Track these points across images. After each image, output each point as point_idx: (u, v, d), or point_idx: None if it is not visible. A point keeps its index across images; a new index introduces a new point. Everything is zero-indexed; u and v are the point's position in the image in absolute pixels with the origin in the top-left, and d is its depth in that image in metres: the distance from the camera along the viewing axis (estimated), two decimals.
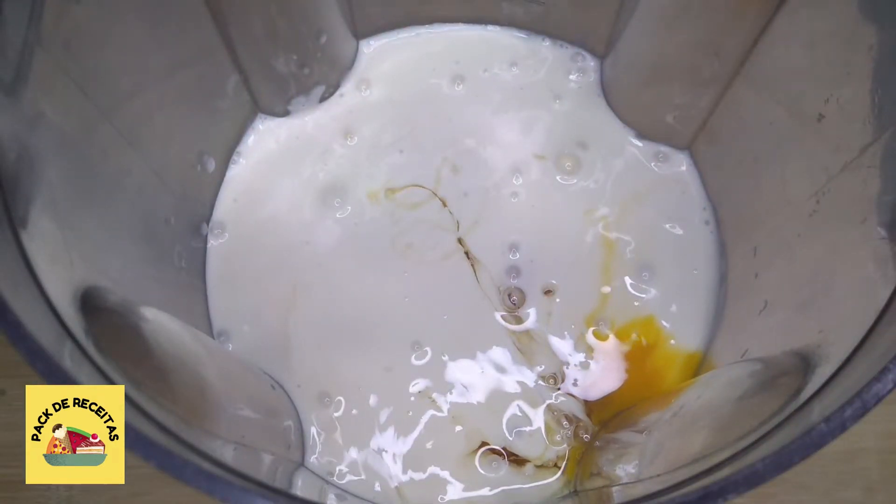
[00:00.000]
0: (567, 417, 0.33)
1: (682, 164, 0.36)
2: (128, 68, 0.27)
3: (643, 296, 0.34)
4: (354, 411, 0.33)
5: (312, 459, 0.33)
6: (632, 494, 0.21)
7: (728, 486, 0.17)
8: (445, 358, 0.34)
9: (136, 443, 0.17)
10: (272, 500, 0.18)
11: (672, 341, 0.34)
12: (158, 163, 0.30)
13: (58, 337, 0.19)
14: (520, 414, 0.33)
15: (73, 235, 0.23)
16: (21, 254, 0.19)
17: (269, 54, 0.33)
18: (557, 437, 0.33)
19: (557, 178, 0.36)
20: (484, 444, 0.33)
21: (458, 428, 0.33)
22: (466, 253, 0.35)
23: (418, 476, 0.33)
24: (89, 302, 0.21)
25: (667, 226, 0.35)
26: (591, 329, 0.34)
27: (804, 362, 0.22)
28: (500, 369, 0.34)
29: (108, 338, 0.20)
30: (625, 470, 0.28)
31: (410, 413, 0.33)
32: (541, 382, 0.34)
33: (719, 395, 0.26)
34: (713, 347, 0.34)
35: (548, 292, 0.35)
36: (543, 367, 0.34)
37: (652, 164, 0.36)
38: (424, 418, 0.33)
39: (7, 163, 0.20)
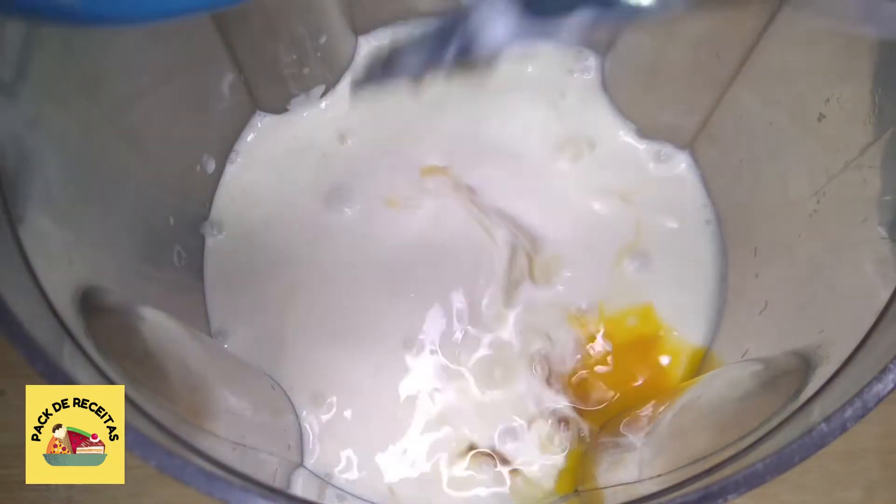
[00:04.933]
0: (565, 420, 0.33)
1: (682, 163, 0.36)
2: (127, 69, 0.27)
3: (644, 293, 0.34)
4: (347, 413, 0.33)
5: (308, 460, 0.33)
6: (633, 494, 0.21)
7: (728, 486, 0.17)
8: (439, 360, 0.34)
9: (135, 443, 0.17)
10: (272, 501, 0.18)
11: (677, 341, 0.34)
12: (158, 163, 0.30)
13: (57, 337, 0.19)
14: (515, 415, 0.33)
15: (72, 235, 0.23)
16: (21, 254, 0.19)
17: (269, 55, 0.33)
18: (556, 439, 0.33)
19: (559, 174, 0.36)
20: (475, 446, 0.33)
21: (452, 431, 0.33)
22: (464, 250, 0.35)
23: (410, 477, 0.33)
24: (89, 302, 0.21)
25: (668, 224, 0.35)
26: (590, 326, 0.34)
27: (805, 362, 0.22)
28: (498, 372, 0.34)
29: (108, 338, 0.20)
30: (625, 470, 0.28)
31: (401, 415, 0.33)
32: (538, 382, 0.33)
33: (720, 396, 0.26)
34: (714, 347, 0.34)
35: (546, 288, 0.34)
36: (541, 366, 0.34)
37: (653, 163, 0.36)
38: (416, 420, 0.33)
39: (7, 163, 0.20)
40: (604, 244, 0.35)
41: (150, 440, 0.17)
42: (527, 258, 0.35)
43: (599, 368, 0.34)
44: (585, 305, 0.34)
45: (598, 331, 0.34)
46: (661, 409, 0.29)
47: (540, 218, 0.35)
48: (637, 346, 0.34)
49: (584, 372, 0.34)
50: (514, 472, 0.33)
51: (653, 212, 0.35)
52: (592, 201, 0.36)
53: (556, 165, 0.36)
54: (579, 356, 0.34)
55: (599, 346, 0.34)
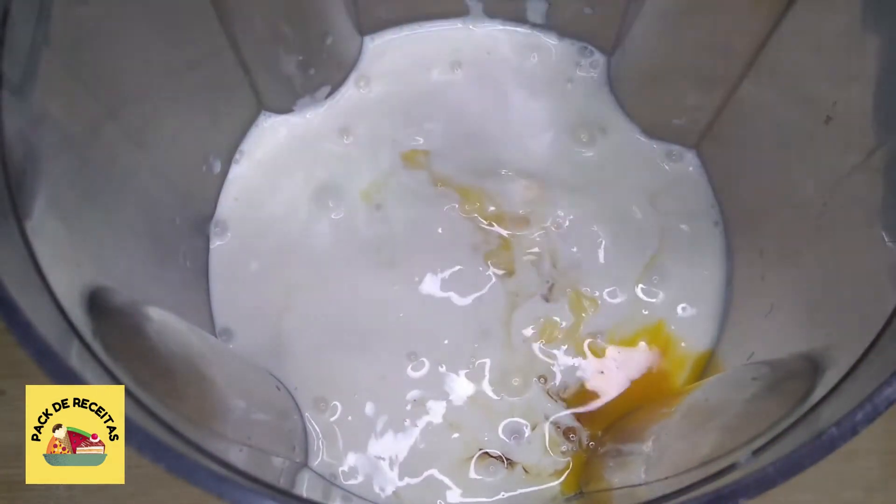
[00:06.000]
0: (570, 429, 0.33)
1: (690, 163, 0.36)
2: (135, 68, 0.27)
3: (652, 300, 0.34)
4: (353, 414, 0.33)
5: (312, 461, 0.33)
6: (639, 497, 0.21)
7: (739, 490, 0.17)
8: (442, 368, 0.33)
9: (145, 445, 0.17)
10: (282, 503, 0.18)
11: (682, 344, 0.34)
12: (164, 163, 0.30)
13: (65, 337, 0.19)
14: (521, 421, 0.33)
15: (79, 236, 0.23)
16: (29, 254, 0.19)
17: (275, 56, 0.33)
18: (563, 448, 0.33)
19: (564, 176, 0.36)
20: (481, 449, 0.33)
21: (456, 435, 0.33)
22: (469, 262, 0.35)
23: (416, 481, 0.33)
24: (96, 303, 0.21)
25: (677, 226, 0.35)
26: (596, 336, 0.34)
27: (812, 365, 0.22)
28: (499, 379, 0.34)
29: (115, 338, 0.20)
30: (631, 473, 0.28)
31: (407, 421, 0.33)
32: (542, 392, 0.33)
33: (726, 398, 0.26)
34: (718, 350, 0.33)
35: (551, 299, 0.34)
36: (544, 376, 0.34)
37: (662, 164, 0.36)
38: (421, 426, 0.33)
39: (14, 162, 0.20)
40: (611, 251, 0.35)
41: (159, 442, 0.17)
42: (550, 267, 0.35)
43: (601, 387, 0.33)
44: (591, 321, 0.34)
45: (606, 354, 0.34)
46: (667, 411, 0.29)
47: (542, 231, 0.35)
48: (641, 364, 0.34)
49: (587, 401, 0.33)
50: (520, 472, 0.33)
51: (662, 213, 0.35)
52: (598, 207, 0.35)
53: (573, 151, 0.36)
54: (583, 375, 0.34)
55: (603, 366, 0.34)
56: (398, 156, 0.36)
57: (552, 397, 0.33)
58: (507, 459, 0.33)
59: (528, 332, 0.34)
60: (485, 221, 0.35)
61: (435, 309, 0.34)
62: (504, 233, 0.35)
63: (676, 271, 0.35)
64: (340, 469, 0.33)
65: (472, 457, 0.33)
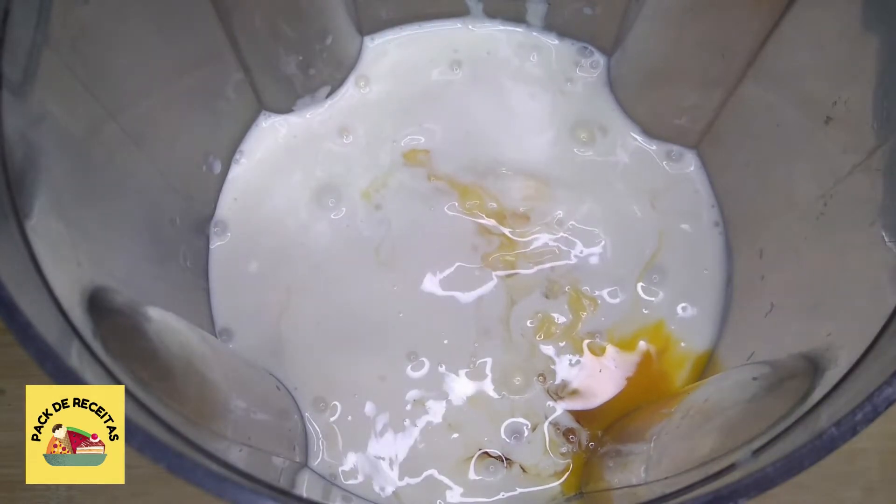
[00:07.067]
0: (570, 430, 0.33)
1: (691, 163, 0.36)
2: (134, 69, 0.27)
3: (652, 299, 0.34)
4: (352, 414, 0.33)
5: (312, 461, 0.33)
6: (639, 497, 0.21)
7: (740, 490, 0.17)
8: (442, 368, 0.34)
9: (145, 445, 0.17)
10: (281, 503, 0.18)
11: (682, 344, 0.34)
12: (164, 163, 0.30)
13: (65, 337, 0.19)
14: (521, 421, 0.33)
15: (79, 236, 0.23)
16: (29, 254, 0.19)
17: (275, 56, 0.33)
18: (562, 450, 0.33)
19: (564, 176, 0.36)
20: (481, 449, 0.33)
21: (455, 435, 0.33)
22: (469, 262, 0.35)
23: (416, 481, 0.33)
24: (96, 303, 0.21)
25: (677, 226, 0.35)
26: (596, 335, 0.34)
27: (812, 365, 0.22)
28: (499, 379, 0.34)
29: (116, 339, 0.20)
30: (631, 473, 0.28)
31: (406, 421, 0.33)
32: (542, 392, 0.33)
33: (727, 398, 0.26)
34: (718, 350, 0.34)
35: (550, 297, 0.34)
36: (543, 374, 0.34)
37: (662, 164, 0.36)
38: (421, 426, 0.33)
39: (14, 162, 0.20)
40: (612, 252, 0.35)
41: (160, 442, 0.17)
42: (550, 266, 0.35)
43: (601, 386, 0.33)
44: (591, 321, 0.34)
45: (608, 346, 0.34)
46: (666, 412, 0.29)
47: (544, 233, 0.35)
48: (641, 364, 0.34)
49: (587, 400, 0.33)
50: (520, 472, 0.33)
51: (662, 213, 0.35)
52: (599, 207, 0.35)
53: (573, 150, 0.36)
54: (582, 374, 0.34)
55: (603, 365, 0.34)
56: (398, 155, 0.36)
57: (552, 396, 0.33)
58: (507, 459, 0.33)
59: (527, 325, 0.34)
60: (485, 219, 0.35)
61: (435, 308, 0.34)
62: (505, 231, 0.35)
63: (676, 271, 0.35)
64: (340, 469, 0.33)
65: (472, 457, 0.33)
